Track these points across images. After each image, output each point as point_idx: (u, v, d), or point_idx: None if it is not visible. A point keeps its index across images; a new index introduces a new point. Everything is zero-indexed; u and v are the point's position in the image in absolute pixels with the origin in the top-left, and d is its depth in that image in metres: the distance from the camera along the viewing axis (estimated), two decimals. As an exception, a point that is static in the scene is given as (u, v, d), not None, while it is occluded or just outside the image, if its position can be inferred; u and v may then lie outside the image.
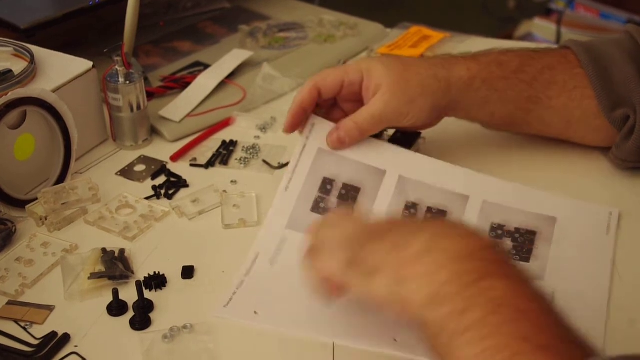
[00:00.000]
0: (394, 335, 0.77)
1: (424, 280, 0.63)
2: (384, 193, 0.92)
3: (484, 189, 0.92)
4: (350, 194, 0.92)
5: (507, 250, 0.67)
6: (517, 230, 0.88)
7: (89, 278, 0.83)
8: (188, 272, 0.86)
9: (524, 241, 0.87)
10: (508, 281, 0.62)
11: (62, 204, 0.94)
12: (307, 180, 0.92)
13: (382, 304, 0.67)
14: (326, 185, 0.92)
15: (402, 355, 0.76)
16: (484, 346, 0.58)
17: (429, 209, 0.91)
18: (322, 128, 0.95)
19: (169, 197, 0.98)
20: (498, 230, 0.88)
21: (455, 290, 0.61)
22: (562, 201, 0.92)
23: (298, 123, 0.93)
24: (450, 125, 1.01)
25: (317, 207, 0.91)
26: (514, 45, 1.09)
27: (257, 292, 0.83)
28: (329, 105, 0.97)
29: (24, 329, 0.79)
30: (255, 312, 0.80)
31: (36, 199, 0.94)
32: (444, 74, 0.94)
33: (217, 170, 1.04)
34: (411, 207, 0.91)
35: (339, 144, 0.93)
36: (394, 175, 0.93)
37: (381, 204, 0.91)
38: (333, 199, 0.91)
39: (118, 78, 1.03)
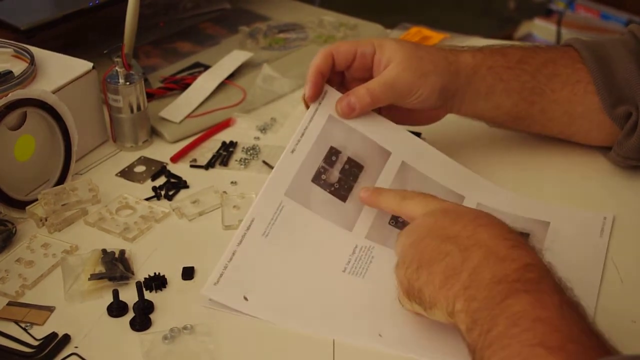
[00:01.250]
0: (379, 330, 0.77)
1: (465, 313, 0.69)
2: (385, 177, 0.92)
3: (480, 192, 0.93)
4: (352, 170, 0.91)
5: (545, 263, 0.70)
6: None
7: (89, 279, 0.83)
8: (188, 273, 0.86)
9: None
10: (528, 296, 0.66)
11: (62, 205, 0.94)
12: (314, 146, 0.91)
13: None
14: (332, 155, 0.91)
15: (388, 351, 0.76)
16: (502, 355, 0.63)
17: None
18: (334, 96, 0.94)
19: (169, 198, 0.98)
20: None
21: (484, 315, 0.67)
22: (555, 208, 0.93)
23: (319, 90, 0.92)
24: (450, 125, 1.01)
25: (318, 178, 0.89)
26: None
27: (248, 270, 0.82)
28: (337, 82, 0.97)
29: (25, 329, 0.80)
30: (245, 298, 0.80)
31: (36, 200, 0.94)
32: (453, 58, 0.95)
33: (217, 171, 1.04)
34: None
35: (349, 110, 0.92)
36: (397, 160, 0.93)
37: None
38: (335, 172, 0.90)
39: (118, 79, 1.03)
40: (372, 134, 0.93)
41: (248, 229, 0.85)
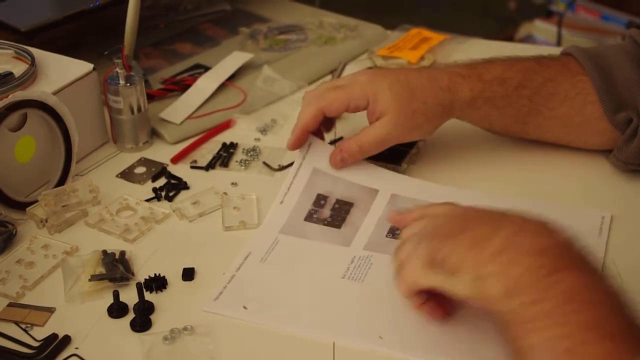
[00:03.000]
0: (379, 333, 0.77)
1: (500, 276, 0.66)
2: (376, 207, 0.94)
3: (476, 201, 0.93)
4: (343, 207, 0.94)
5: (584, 247, 0.68)
6: None
7: (89, 280, 0.84)
8: (188, 274, 0.86)
9: None
10: (578, 274, 0.65)
11: (63, 206, 0.94)
12: (301, 195, 0.95)
13: (466, 300, 0.71)
14: (320, 200, 0.95)
15: (388, 353, 0.76)
16: (550, 335, 0.62)
17: None
18: (318, 148, 0.99)
19: (170, 199, 0.98)
20: None
21: (527, 283, 0.65)
22: (553, 207, 0.93)
23: (302, 142, 0.97)
24: (449, 126, 1.01)
25: (310, 217, 0.93)
26: (514, 47, 1.09)
27: (247, 287, 0.84)
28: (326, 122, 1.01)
29: (25, 331, 0.80)
30: (244, 307, 0.81)
31: (37, 201, 0.94)
32: (448, 99, 0.95)
33: (218, 172, 1.04)
34: None
35: (342, 165, 0.96)
36: (386, 194, 0.96)
37: (373, 216, 0.93)
38: (326, 211, 0.94)
39: (118, 80, 1.04)
40: (357, 179, 0.97)
41: (245, 259, 0.87)
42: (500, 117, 0.98)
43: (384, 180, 0.97)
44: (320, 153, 0.98)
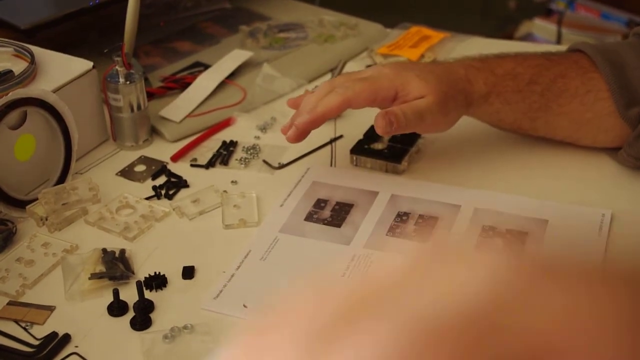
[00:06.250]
0: None
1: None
2: (376, 207, 0.94)
3: (476, 199, 0.95)
4: (343, 209, 0.94)
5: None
6: (509, 231, 0.89)
7: (89, 278, 0.83)
8: (188, 272, 0.86)
9: (515, 241, 0.87)
10: None
11: (63, 204, 0.94)
12: (300, 201, 0.96)
13: None
14: (320, 203, 0.95)
15: None
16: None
17: (421, 216, 0.92)
18: (316, 169, 1.00)
19: (170, 197, 0.98)
20: (489, 232, 0.89)
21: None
22: (553, 205, 0.93)
23: (318, 126, 0.92)
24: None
25: (310, 218, 0.93)
26: (514, 46, 1.08)
27: (247, 285, 0.84)
28: None
29: (25, 329, 0.80)
30: (244, 306, 0.81)
31: (36, 199, 0.94)
32: (468, 90, 0.95)
33: (218, 170, 1.04)
34: (403, 215, 0.93)
35: (390, 127, 0.90)
36: (386, 194, 0.96)
37: (373, 215, 0.93)
38: (327, 212, 0.94)
39: (118, 78, 1.03)
40: (356, 184, 0.98)
41: (245, 257, 0.87)
42: (511, 112, 0.98)
43: (384, 183, 0.98)
44: (319, 170, 1.00)
